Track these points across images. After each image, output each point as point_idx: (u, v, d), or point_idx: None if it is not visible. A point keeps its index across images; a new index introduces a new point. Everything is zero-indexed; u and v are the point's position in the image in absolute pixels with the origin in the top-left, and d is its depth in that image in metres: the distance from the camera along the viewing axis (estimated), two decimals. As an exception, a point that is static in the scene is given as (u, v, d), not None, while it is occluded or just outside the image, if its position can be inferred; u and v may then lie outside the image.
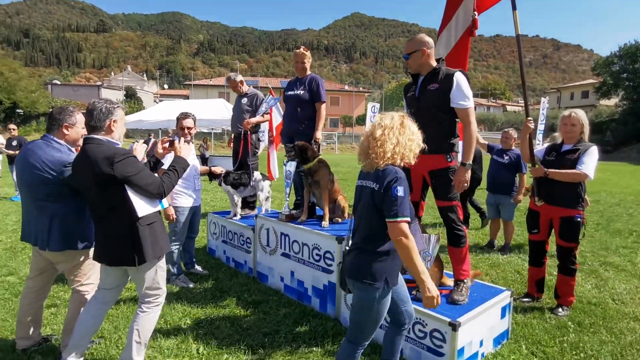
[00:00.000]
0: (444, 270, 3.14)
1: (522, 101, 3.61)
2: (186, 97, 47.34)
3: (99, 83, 71.61)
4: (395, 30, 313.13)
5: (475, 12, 3.44)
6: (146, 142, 17.20)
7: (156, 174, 2.44)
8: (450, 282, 3.05)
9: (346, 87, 64.00)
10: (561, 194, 3.36)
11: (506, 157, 5.17)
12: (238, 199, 4.73)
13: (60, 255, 2.53)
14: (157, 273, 2.43)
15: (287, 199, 4.04)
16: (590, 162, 3.30)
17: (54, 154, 2.47)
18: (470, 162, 2.74)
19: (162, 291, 2.50)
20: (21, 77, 39.55)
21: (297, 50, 3.99)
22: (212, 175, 4.50)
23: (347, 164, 20.96)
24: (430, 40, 2.86)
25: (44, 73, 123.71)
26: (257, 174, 4.85)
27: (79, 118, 2.58)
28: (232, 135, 5.24)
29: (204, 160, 16.51)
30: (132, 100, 52.13)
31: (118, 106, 2.37)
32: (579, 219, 3.35)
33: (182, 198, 3.94)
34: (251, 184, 4.75)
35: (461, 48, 3.58)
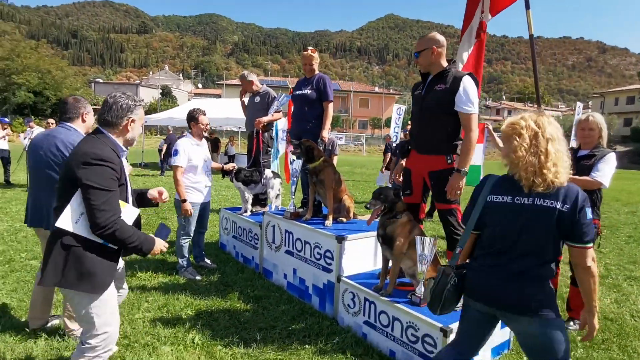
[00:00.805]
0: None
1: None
2: (218, 96, 48.48)
3: (138, 82, 74.74)
4: (430, 31, 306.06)
5: (483, 15, 3.35)
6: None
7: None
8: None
9: (376, 89, 63.52)
10: (575, 201, 3.19)
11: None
12: (249, 196, 4.80)
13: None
14: (92, 311, 1.87)
15: (293, 196, 4.07)
16: (607, 169, 3.11)
17: (75, 138, 2.61)
18: (466, 169, 2.66)
19: (99, 337, 1.89)
20: (67, 75, 42.06)
21: (305, 52, 4.02)
22: (224, 172, 4.60)
23: (374, 166, 20.80)
24: (441, 38, 2.80)
25: (89, 72, 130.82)
26: (268, 172, 4.91)
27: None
28: (248, 134, 5.33)
29: (230, 157, 16.91)
30: (167, 98, 54.08)
31: (140, 104, 2.09)
32: (595, 229, 3.17)
33: (192, 194, 4.03)
34: (262, 181, 4.82)
35: (474, 51, 3.49)
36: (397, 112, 12.67)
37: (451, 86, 2.69)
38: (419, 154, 2.87)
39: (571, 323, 3.28)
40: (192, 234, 4.16)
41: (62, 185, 1.88)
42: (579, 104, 11.95)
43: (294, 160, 4.02)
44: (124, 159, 2.03)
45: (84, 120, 2.78)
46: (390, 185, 6.68)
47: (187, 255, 4.12)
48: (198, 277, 4.02)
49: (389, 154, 8.49)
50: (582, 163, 3.22)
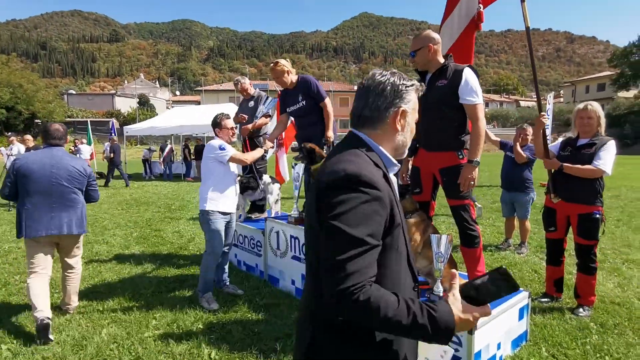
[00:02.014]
0: (458, 271, 3.06)
1: (536, 96, 3.48)
2: (197, 103, 47.89)
3: (113, 92, 73.04)
4: (404, 28, 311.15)
5: (481, 5, 3.36)
6: (162, 149, 17.30)
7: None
8: (464, 283, 2.97)
9: (355, 88, 63.93)
10: (578, 190, 3.24)
11: (527, 152, 5.04)
12: (243, 203, 4.76)
13: (78, 237, 3.35)
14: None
15: (296, 201, 4.01)
16: (608, 157, 3.18)
17: (77, 161, 3.36)
18: (478, 159, 2.66)
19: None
20: (39, 89, 40.75)
21: (272, 67, 3.91)
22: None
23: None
24: (437, 36, 2.80)
25: (60, 83, 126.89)
26: (266, 177, 4.84)
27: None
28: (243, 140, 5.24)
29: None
30: (146, 107, 53.05)
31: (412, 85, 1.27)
32: (597, 216, 3.23)
33: (221, 202, 3.49)
34: (260, 187, 4.75)
35: (466, 42, 3.49)
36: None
37: (453, 80, 2.69)
38: (429, 151, 2.86)
39: (581, 310, 3.33)
40: (220, 253, 3.60)
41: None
42: (549, 95, 12.54)
43: (296, 164, 3.96)
44: None
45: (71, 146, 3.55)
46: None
47: (211, 277, 3.56)
48: (215, 306, 3.47)
49: None
50: (583, 152, 3.27)
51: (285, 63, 3.94)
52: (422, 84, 2.85)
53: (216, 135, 3.66)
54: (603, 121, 3.30)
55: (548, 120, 3.38)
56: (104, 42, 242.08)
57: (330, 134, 3.89)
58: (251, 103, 4.99)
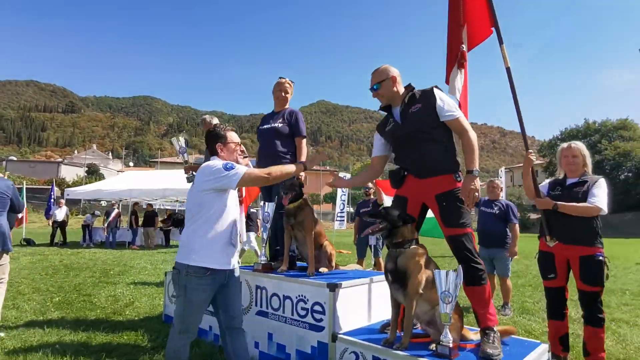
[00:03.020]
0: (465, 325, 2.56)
1: (522, 133, 3.40)
2: (151, 174, 46.38)
3: (60, 160, 69.50)
4: (359, 116, 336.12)
5: (464, 45, 3.38)
6: (107, 214, 15.96)
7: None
8: (473, 335, 2.46)
9: (314, 167, 65.77)
10: (577, 230, 3.00)
11: (496, 208, 4.91)
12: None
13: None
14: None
15: (264, 245, 3.44)
16: (602, 194, 3.02)
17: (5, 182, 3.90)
18: (477, 169, 2.39)
19: None
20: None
21: (281, 80, 3.66)
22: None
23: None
24: (395, 69, 2.71)
25: (2, 151, 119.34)
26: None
27: None
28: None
29: (166, 233, 15.39)
30: (94, 177, 50.37)
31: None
32: (601, 258, 2.96)
33: (216, 254, 2.27)
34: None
35: (464, 81, 3.47)
36: (343, 178, 12.91)
37: (426, 102, 2.56)
38: (421, 178, 2.54)
39: (593, 371, 2.88)
40: (196, 333, 2.33)
41: None
42: (500, 170, 13.69)
43: (264, 203, 3.47)
44: None
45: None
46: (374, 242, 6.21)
47: None
48: None
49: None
50: (575, 190, 3.10)
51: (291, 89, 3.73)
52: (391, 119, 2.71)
53: (216, 154, 2.49)
54: (589, 160, 3.22)
55: (534, 157, 3.25)
56: (58, 112, 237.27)
57: (302, 172, 3.43)
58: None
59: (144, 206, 16.17)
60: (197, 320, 2.31)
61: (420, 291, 2.27)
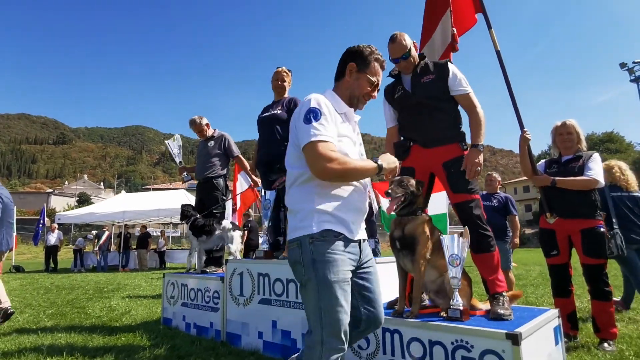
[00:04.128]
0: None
1: (515, 113, 3.45)
2: (144, 201, 45.99)
3: (50, 190, 68.62)
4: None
5: (454, 29, 3.48)
6: (98, 237, 15.63)
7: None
8: (482, 305, 2.42)
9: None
10: (576, 204, 3.02)
11: (495, 200, 4.92)
12: (197, 248, 4.04)
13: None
14: None
15: (266, 233, 3.40)
16: (598, 167, 3.07)
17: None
18: (483, 143, 2.42)
19: None
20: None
21: (279, 69, 3.71)
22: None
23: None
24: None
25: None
26: (226, 223, 4.20)
27: None
28: (197, 183, 4.66)
29: (160, 254, 15.11)
30: (85, 205, 49.73)
31: None
32: (602, 229, 2.97)
33: (347, 217, 1.62)
34: (217, 233, 4.08)
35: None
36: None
37: (439, 74, 2.59)
38: (428, 148, 2.56)
39: (605, 345, 2.84)
40: (345, 344, 1.53)
41: None
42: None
43: (265, 192, 3.46)
44: None
45: None
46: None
47: None
48: None
49: None
50: (571, 166, 3.15)
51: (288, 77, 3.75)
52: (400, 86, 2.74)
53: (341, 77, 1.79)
54: (583, 137, 3.28)
55: (529, 136, 3.29)
56: (49, 144, 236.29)
57: None
58: (211, 143, 4.57)
59: (137, 233, 15.95)
60: (345, 319, 1.53)
61: (428, 256, 2.24)
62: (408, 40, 2.69)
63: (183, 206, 4.19)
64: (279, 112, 3.58)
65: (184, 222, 4.18)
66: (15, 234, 13.54)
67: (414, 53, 2.67)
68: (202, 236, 4.02)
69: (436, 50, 3.51)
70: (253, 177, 4.41)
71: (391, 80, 2.83)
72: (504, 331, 1.80)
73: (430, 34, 3.55)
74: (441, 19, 3.49)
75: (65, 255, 22.03)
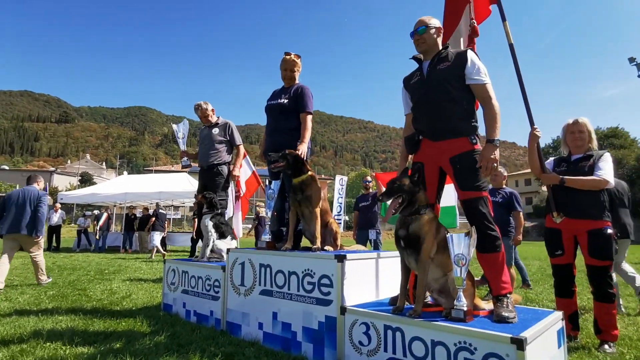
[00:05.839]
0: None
1: (526, 110, 3.36)
2: (146, 182, 46.06)
3: (52, 169, 68.81)
4: (353, 126, 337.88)
5: (474, 21, 3.39)
6: (97, 219, 15.69)
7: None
8: (484, 304, 2.40)
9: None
10: (584, 204, 2.97)
11: (499, 196, 4.88)
12: (213, 238, 4.04)
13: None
14: None
15: (269, 223, 3.37)
16: (608, 167, 3.00)
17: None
18: (499, 138, 2.34)
19: None
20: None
21: (287, 57, 3.57)
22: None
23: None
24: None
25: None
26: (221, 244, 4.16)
27: None
28: (200, 169, 4.62)
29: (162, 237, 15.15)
30: (87, 185, 49.90)
31: None
32: (609, 231, 2.93)
33: None
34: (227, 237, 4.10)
35: None
36: (340, 183, 13.03)
37: (457, 62, 2.48)
38: (435, 141, 2.49)
39: (606, 347, 2.83)
40: None
41: None
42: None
43: (270, 181, 3.41)
44: None
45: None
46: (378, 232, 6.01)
47: None
48: None
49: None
50: (581, 165, 3.09)
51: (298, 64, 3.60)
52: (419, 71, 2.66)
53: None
54: (594, 135, 3.21)
55: (539, 133, 3.22)
56: (51, 122, 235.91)
57: (303, 148, 3.29)
58: (215, 130, 4.50)
59: (138, 214, 15.99)
60: None
61: (432, 255, 2.21)
62: (430, 20, 2.61)
63: (207, 194, 4.13)
64: (284, 101, 3.49)
65: (208, 210, 4.09)
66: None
67: (435, 37, 2.58)
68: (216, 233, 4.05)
69: (462, 43, 3.43)
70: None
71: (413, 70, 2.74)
72: (509, 335, 1.77)
73: (453, 28, 3.46)
74: (463, 12, 3.40)
75: (68, 234, 22.20)
